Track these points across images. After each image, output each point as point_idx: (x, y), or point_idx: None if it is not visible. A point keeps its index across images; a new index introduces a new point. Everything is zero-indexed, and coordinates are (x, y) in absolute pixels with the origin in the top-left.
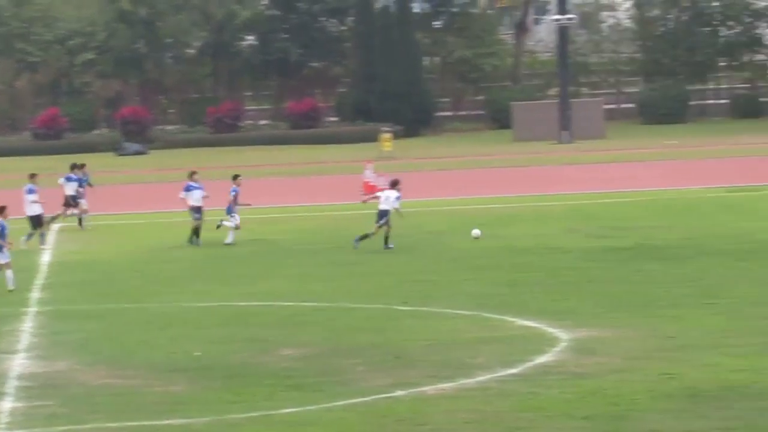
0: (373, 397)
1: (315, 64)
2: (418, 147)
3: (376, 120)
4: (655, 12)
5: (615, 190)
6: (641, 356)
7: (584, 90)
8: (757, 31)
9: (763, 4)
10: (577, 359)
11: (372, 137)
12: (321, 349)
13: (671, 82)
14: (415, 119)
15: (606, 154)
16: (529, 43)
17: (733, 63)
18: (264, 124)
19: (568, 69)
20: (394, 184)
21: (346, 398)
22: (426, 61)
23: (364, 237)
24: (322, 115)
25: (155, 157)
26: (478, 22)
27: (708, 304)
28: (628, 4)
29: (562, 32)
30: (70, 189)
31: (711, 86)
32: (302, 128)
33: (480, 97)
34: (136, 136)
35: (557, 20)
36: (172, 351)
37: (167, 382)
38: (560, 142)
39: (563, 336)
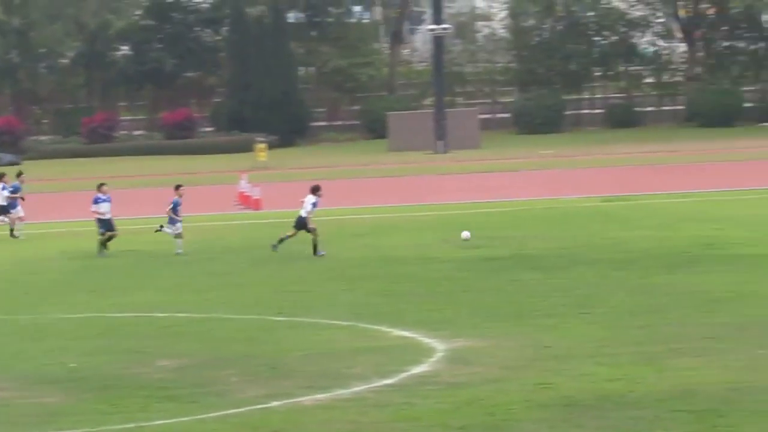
0: (248, 408)
1: (190, 74)
2: (293, 157)
3: (251, 130)
4: (531, 22)
5: (490, 200)
6: (517, 366)
7: (460, 100)
8: (632, 41)
9: (638, 14)
10: (452, 369)
11: (247, 147)
12: (196, 360)
13: (546, 92)
14: (290, 129)
15: (481, 164)
16: (405, 52)
17: (609, 73)
18: (139, 135)
19: (443, 79)
20: (314, 190)
21: (220, 409)
22: (301, 71)
23: (314, 246)
24: (197, 125)
25: (28, 167)
26: (354, 32)
27: (583, 314)
28: (503, 14)
29: (438, 42)
30: (1, 199)
31: (586, 96)
32: (177, 138)
33: (355, 107)
34: (9, 146)
35: (432, 30)
36: (47, 362)
37: (41, 394)
38: (436, 152)
39: (439, 346)
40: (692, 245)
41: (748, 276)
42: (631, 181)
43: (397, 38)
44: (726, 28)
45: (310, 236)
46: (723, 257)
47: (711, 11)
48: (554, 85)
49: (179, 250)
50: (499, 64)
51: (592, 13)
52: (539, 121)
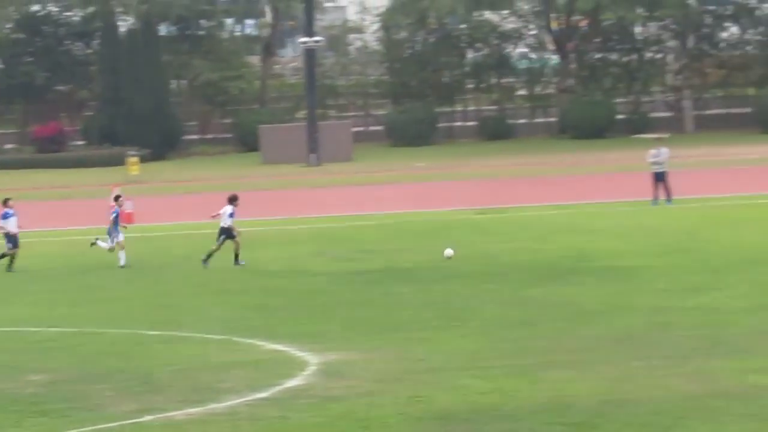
0: (121, 422)
1: (61, 88)
2: (166, 170)
3: (123, 143)
4: (403, 34)
5: (363, 213)
6: (390, 379)
7: (332, 112)
8: (505, 53)
9: (511, 26)
10: (326, 383)
11: (119, 161)
12: (68, 375)
13: (419, 105)
14: (162, 142)
15: (354, 177)
16: (277, 66)
17: (481, 85)
18: (9, 148)
19: (315, 92)
20: (231, 200)
21: (93, 424)
22: (173, 84)
23: (209, 256)
24: (69, 138)
25: None
26: (225, 46)
27: (456, 327)
28: (375, 27)
29: (310, 55)
30: None
31: (459, 108)
32: (48, 152)
33: (228, 120)
34: None
35: (304, 43)
36: None
37: None
38: (308, 165)
39: (312, 359)
40: (565, 257)
41: (620, 288)
42: (504, 193)
43: (268, 51)
44: (598, 40)
45: (230, 244)
46: (595, 269)
47: (583, 23)
48: (427, 98)
49: (122, 262)
50: (372, 77)
51: (464, 26)
52: (412, 133)
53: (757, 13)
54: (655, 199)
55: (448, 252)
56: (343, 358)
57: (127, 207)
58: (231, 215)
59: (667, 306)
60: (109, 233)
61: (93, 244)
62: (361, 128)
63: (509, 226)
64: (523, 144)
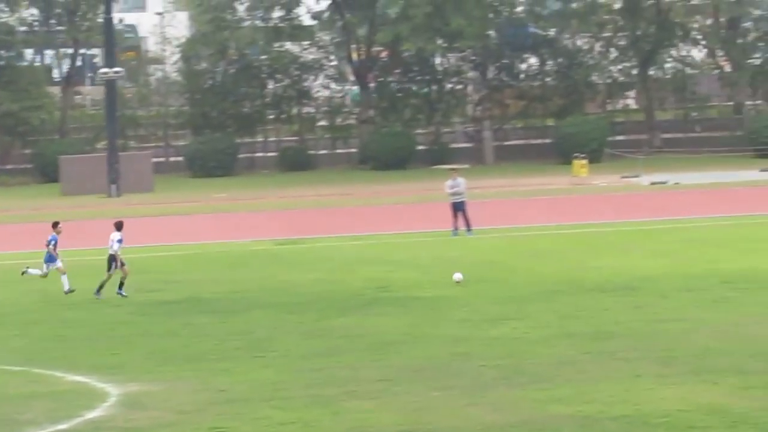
0: None
1: None
2: None
3: None
4: (203, 65)
5: (164, 244)
6: (192, 410)
7: (132, 143)
8: (306, 84)
9: (311, 57)
10: (127, 414)
11: None
12: None
13: (220, 135)
14: None
15: (154, 208)
16: (77, 96)
17: (282, 116)
18: None
19: (116, 122)
20: (118, 227)
21: None
22: None
23: (101, 286)
24: None
25: None
26: (25, 76)
27: (258, 357)
28: (175, 57)
29: (110, 85)
30: None
31: (260, 139)
32: None
33: (28, 151)
34: None
35: (105, 73)
36: None
37: None
38: (109, 196)
39: (113, 391)
40: (366, 288)
41: (420, 318)
42: (304, 224)
43: (69, 82)
44: (399, 71)
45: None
46: (396, 299)
47: (384, 54)
48: (227, 129)
49: (67, 287)
50: (172, 108)
51: (264, 57)
52: (212, 164)
53: (556, 44)
54: (455, 230)
55: (458, 276)
56: (145, 389)
57: None
58: (119, 241)
59: (468, 336)
60: (46, 260)
61: (24, 272)
62: (162, 159)
63: (309, 257)
64: (323, 175)
